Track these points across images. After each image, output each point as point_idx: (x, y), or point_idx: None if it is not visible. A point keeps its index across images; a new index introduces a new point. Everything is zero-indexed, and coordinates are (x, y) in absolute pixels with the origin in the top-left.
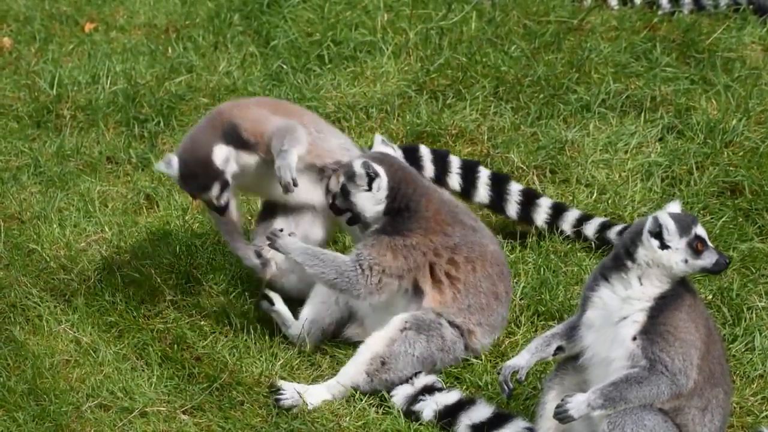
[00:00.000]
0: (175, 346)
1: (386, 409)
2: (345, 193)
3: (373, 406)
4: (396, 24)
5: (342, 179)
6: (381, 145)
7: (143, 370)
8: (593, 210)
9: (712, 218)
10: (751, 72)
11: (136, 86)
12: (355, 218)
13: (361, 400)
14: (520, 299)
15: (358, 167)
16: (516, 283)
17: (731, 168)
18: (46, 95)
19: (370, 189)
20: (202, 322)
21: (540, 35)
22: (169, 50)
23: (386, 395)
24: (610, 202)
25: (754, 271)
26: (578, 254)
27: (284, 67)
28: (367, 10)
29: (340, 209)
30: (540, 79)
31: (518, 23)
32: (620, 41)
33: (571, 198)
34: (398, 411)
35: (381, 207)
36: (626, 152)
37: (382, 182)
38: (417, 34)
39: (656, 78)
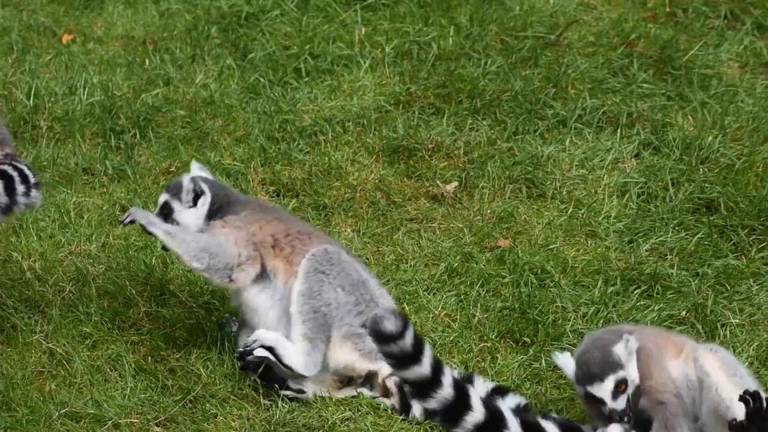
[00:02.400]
0: (149, 357)
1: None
2: (168, 209)
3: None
4: (373, 38)
5: (165, 196)
6: (198, 170)
7: (117, 382)
8: (569, 226)
9: (687, 234)
10: (727, 89)
11: (113, 98)
12: None
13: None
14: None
15: (186, 183)
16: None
17: (707, 185)
18: (22, 106)
19: (195, 205)
20: (177, 334)
21: (517, 50)
22: (147, 62)
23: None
24: (585, 217)
25: (728, 287)
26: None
27: (261, 80)
28: (344, 23)
29: None
30: (517, 95)
31: (496, 38)
32: (597, 57)
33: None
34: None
35: (201, 221)
36: (602, 168)
37: (207, 199)
38: (394, 48)
39: (633, 94)
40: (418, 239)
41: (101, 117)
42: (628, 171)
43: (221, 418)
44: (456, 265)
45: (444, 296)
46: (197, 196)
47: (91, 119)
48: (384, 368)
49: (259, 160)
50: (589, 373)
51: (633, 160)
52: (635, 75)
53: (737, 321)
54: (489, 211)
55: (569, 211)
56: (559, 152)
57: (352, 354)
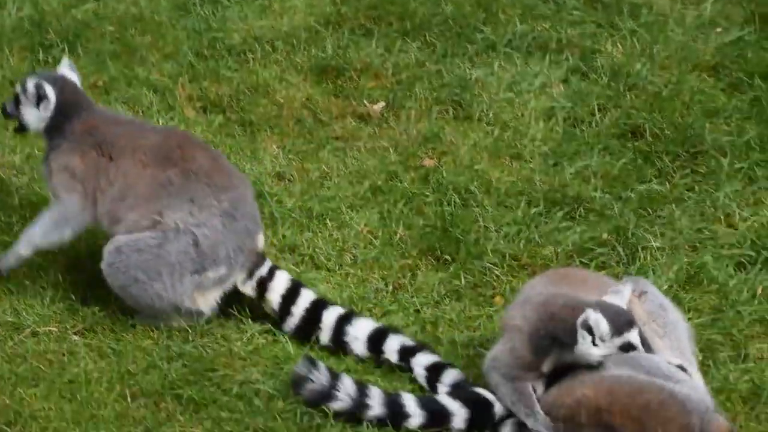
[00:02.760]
0: (70, 267)
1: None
2: (17, 102)
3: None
4: None
5: (17, 88)
6: (66, 68)
7: (36, 291)
8: (494, 148)
9: (612, 159)
10: (657, 18)
11: (42, 12)
12: (22, 128)
13: (252, 327)
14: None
15: (30, 84)
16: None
17: (633, 111)
18: None
19: (37, 107)
20: (98, 244)
21: None
22: None
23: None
24: (510, 140)
25: (650, 212)
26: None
27: None
28: None
29: (9, 115)
30: (448, 18)
31: None
32: None
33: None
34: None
35: (43, 125)
36: (530, 92)
37: (50, 105)
38: None
39: (563, 21)
40: (344, 157)
41: (30, 31)
42: (555, 95)
43: (140, 327)
44: (380, 183)
45: (367, 213)
46: (40, 99)
47: (20, 33)
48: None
49: (187, 77)
50: (627, 321)
51: (561, 85)
52: (566, 1)
53: (658, 245)
54: (415, 131)
55: (495, 133)
56: (487, 76)
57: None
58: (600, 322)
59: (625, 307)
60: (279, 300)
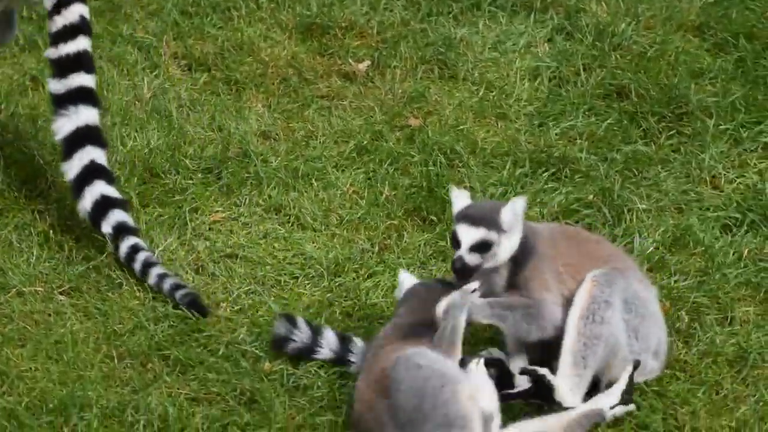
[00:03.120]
0: (56, 227)
1: None
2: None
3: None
4: None
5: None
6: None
7: (22, 250)
8: (479, 107)
9: (597, 120)
10: None
11: None
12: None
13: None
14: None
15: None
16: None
17: (618, 71)
18: None
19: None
20: None
21: None
22: None
23: None
24: (496, 100)
25: (636, 173)
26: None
27: None
28: None
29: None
30: None
31: None
32: None
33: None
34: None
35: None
36: (515, 51)
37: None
38: None
39: None
40: (329, 117)
41: None
42: (540, 55)
43: (126, 288)
44: (365, 143)
45: (352, 173)
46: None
47: None
48: None
49: (171, 34)
50: (467, 214)
51: (545, 44)
52: None
53: (644, 206)
54: (400, 90)
55: (480, 93)
56: (472, 35)
57: None
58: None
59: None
60: None
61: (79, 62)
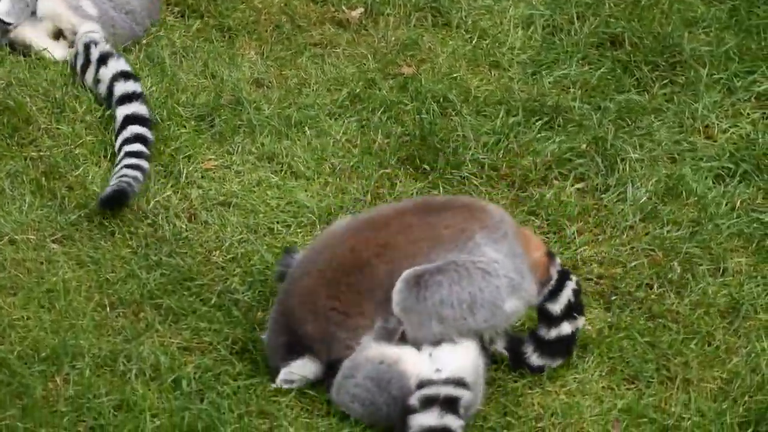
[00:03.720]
0: (48, 174)
1: None
2: None
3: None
4: None
5: None
6: None
7: (14, 199)
8: (473, 56)
9: (590, 68)
10: None
11: None
12: None
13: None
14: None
15: None
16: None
17: (612, 19)
18: None
19: None
20: (76, 152)
21: None
22: None
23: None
24: (489, 48)
25: (629, 122)
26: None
27: None
28: None
29: None
30: None
31: None
32: None
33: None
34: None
35: None
36: (508, 0)
37: None
38: None
39: None
40: (322, 64)
41: None
42: (533, 3)
43: (119, 236)
44: (358, 90)
45: (345, 121)
46: None
47: None
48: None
49: None
50: None
51: None
52: None
53: (637, 156)
54: (393, 38)
55: (474, 41)
56: None
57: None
58: None
59: None
60: None
61: None
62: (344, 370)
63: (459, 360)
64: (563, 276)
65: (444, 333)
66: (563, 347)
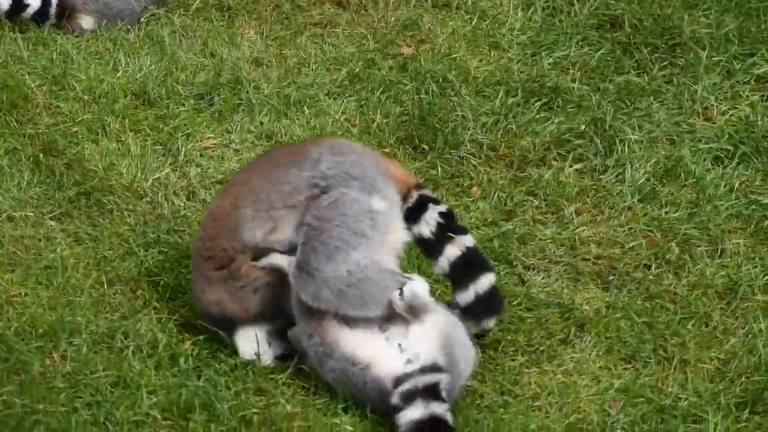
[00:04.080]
0: (47, 151)
1: None
2: None
3: None
4: None
5: None
6: None
7: (13, 175)
8: (472, 36)
9: (590, 50)
10: None
11: None
12: None
13: None
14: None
15: None
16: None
17: (612, 1)
18: None
19: None
20: (74, 129)
21: None
22: None
23: None
24: (489, 29)
25: (628, 104)
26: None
27: None
28: None
29: None
30: None
31: None
32: None
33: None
34: None
35: None
36: None
37: None
38: None
39: None
40: (321, 44)
41: None
42: None
43: (117, 213)
44: (358, 70)
45: (344, 101)
46: None
47: None
48: None
49: None
50: None
51: None
52: None
53: (636, 137)
54: (393, 18)
55: (473, 22)
56: None
57: None
58: None
59: None
60: None
61: None
62: (315, 346)
63: (428, 344)
64: (425, 200)
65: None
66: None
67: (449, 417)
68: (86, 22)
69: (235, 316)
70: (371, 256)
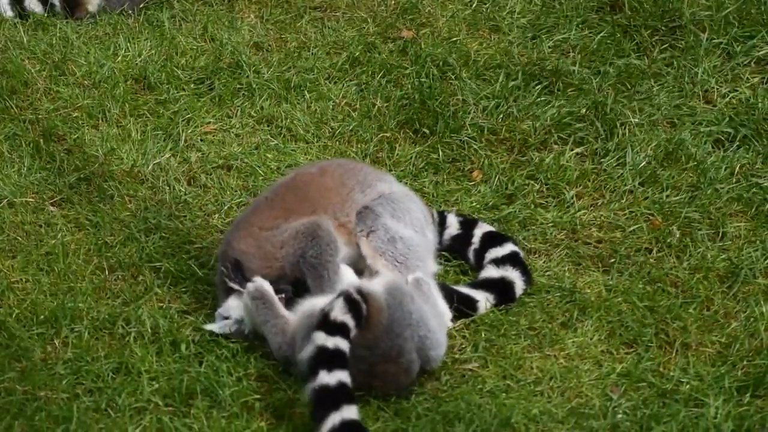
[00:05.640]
0: (47, 137)
1: None
2: None
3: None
4: None
5: None
6: None
7: (13, 161)
8: (473, 19)
9: (590, 33)
10: None
11: None
12: None
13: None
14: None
15: None
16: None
17: None
18: None
19: None
20: (74, 115)
21: None
22: None
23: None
24: (489, 12)
25: (629, 87)
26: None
27: None
28: None
29: None
30: None
31: None
32: None
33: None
34: None
35: None
36: None
37: None
38: None
39: None
40: (322, 28)
41: None
42: None
43: (117, 199)
44: (358, 54)
45: (345, 85)
46: None
47: None
48: None
49: None
50: None
51: None
52: None
53: (636, 120)
54: (393, 1)
55: (474, 5)
56: None
57: None
58: None
59: None
60: None
61: None
62: None
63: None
64: None
65: None
66: None
67: None
68: (92, 5)
69: None
70: None
